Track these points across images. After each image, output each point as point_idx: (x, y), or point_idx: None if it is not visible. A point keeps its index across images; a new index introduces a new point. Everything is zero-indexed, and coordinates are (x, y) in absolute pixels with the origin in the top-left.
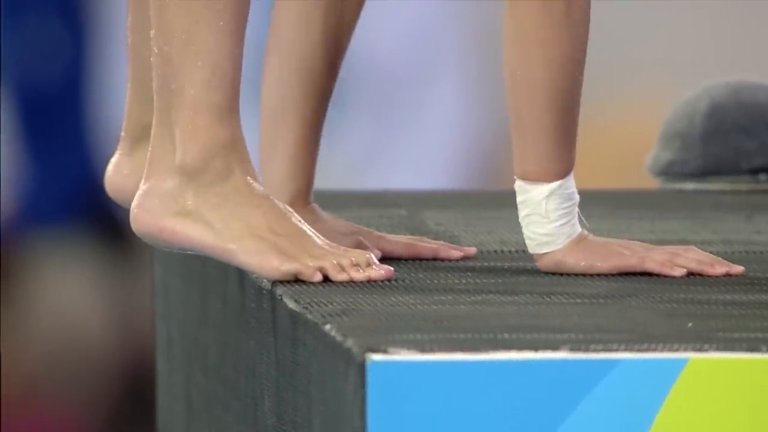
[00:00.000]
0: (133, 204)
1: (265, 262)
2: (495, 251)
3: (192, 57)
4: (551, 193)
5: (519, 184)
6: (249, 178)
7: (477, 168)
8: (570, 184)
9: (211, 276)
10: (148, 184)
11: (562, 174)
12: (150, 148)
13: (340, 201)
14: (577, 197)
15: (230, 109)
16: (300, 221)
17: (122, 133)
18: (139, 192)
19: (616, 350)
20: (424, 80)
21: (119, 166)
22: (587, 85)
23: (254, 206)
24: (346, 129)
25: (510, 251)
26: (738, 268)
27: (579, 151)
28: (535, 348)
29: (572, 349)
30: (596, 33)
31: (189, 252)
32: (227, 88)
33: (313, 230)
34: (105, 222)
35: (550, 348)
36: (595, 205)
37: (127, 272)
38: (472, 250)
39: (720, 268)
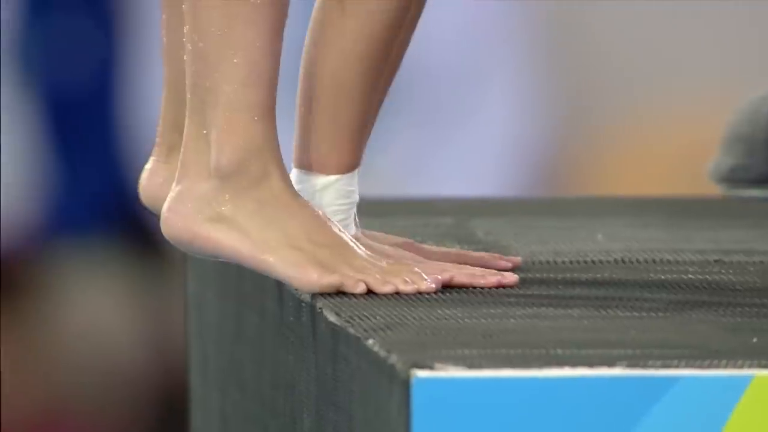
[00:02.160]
0: (165, 207)
1: (303, 274)
2: (547, 262)
3: (228, 53)
4: (326, 186)
5: (295, 173)
6: (286, 182)
7: (529, 174)
8: (352, 181)
9: (248, 289)
10: (181, 186)
11: (342, 169)
12: (182, 150)
13: (384, 209)
14: (356, 198)
15: (267, 108)
16: (340, 230)
17: (157, 139)
18: (171, 195)
19: (676, 367)
20: (475, 81)
21: (154, 172)
22: (644, 87)
23: (292, 214)
24: (390, 132)
25: (563, 262)
26: (511, 278)
27: (636, 156)
28: (590, 364)
29: (629, 366)
30: (658, 33)
31: (222, 260)
32: (265, 86)
33: (354, 240)
34: (136, 232)
35: (606, 364)
36: (653, 213)
37: (159, 285)
38: (517, 260)
39: (491, 278)
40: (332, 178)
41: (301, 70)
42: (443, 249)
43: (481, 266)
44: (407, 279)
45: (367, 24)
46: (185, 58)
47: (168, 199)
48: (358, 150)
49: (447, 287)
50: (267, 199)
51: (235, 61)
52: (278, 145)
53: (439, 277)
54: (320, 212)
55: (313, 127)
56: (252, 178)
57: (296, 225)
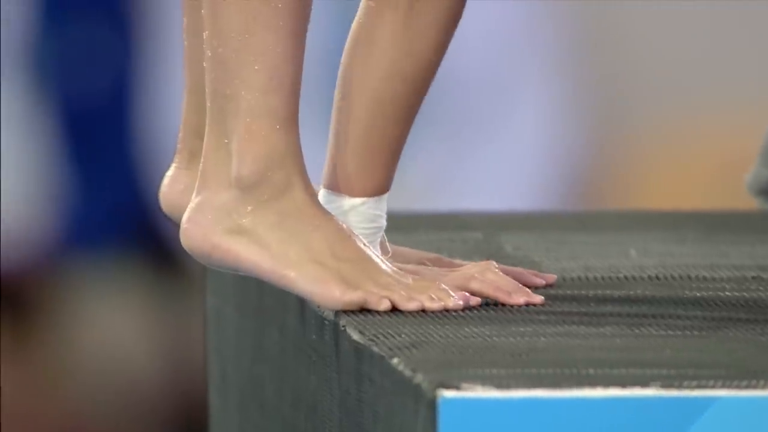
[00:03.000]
0: (184, 218)
1: (326, 291)
2: (579, 278)
3: (248, 59)
4: (352, 209)
5: (323, 193)
6: (309, 193)
7: (560, 187)
8: (380, 205)
9: (269, 304)
10: (201, 196)
11: (370, 192)
12: (203, 159)
13: (409, 223)
14: (383, 223)
15: (290, 116)
16: (365, 244)
17: (178, 145)
18: (191, 205)
19: (713, 387)
20: (504, 91)
21: (175, 179)
22: (680, 97)
23: (315, 227)
24: (417, 144)
25: (595, 278)
26: (538, 298)
27: (670, 168)
28: (623, 384)
29: (664, 386)
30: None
31: (242, 273)
32: (287, 93)
33: (379, 255)
34: (153, 245)
35: (640, 384)
36: (689, 227)
37: (177, 300)
38: (552, 277)
39: (518, 297)
40: (358, 200)
41: (339, 88)
42: (475, 264)
43: (516, 279)
44: (433, 296)
45: (417, 43)
46: (205, 64)
47: (188, 209)
48: (389, 174)
49: (473, 295)
50: (289, 211)
51: (255, 67)
52: (301, 155)
53: (467, 294)
54: (345, 226)
55: (345, 146)
56: (274, 188)
57: (319, 239)
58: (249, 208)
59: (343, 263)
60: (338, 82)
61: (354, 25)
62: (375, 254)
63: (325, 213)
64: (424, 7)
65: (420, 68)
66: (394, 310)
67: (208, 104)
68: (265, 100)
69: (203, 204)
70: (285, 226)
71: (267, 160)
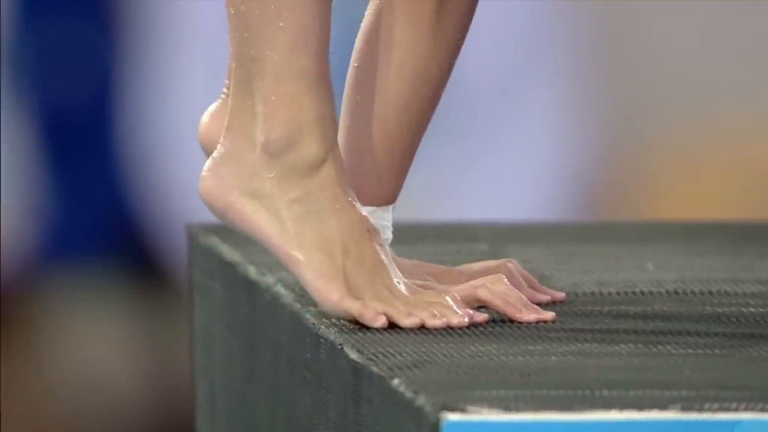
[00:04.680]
0: (206, 165)
1: (326, 290)
2: (592, 293)
3: (273, 16)
4: None
5: None
6: (338, 170)
7: (572, 196)
8: (386, 216)
9: (260, 322)
10: (227, 149)
11: (377, 201)
12: (229, 113)
13: (413, 234)
14: (389, 236)
15: (320, 78)
16: (380, 244)
17: (225, 80)
18: (215, 154)
19: (735, 410)
20: (513, 96)
21: (219, 113)
22: (698, 101)
23: (334, 212)
24: (421, 151)
25: (610, 293)
26: (549, 315)
27: (689, 177)
28: (640, 407)
29: (684, 409)
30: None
31: (251, 237)
32: (315, 53)
33: (390, 259)
34: (138, 259)
35: (658, 407)
36: (710, 238)
37: (162, 317)
38: (560, 295)
39: (528, 313)
40: (366, 209)
41: (352, 90)
42: (487, 267)
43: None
44: (436, 312)
45: (442, 44)
46: (228, 24)
47: (211, 158)
48: (400, 183)
49: (480, 307)
50: (312, 188)
51: (281, 24)
52: (335, 121)
53: (470, 312)
54: (364, 215)
55: (361, 152)
56: (302, 158)
57: (334, 227)
58: (272, 173)
59: (350, 261)
60: (351, 84)
61: (367, 24)
62: (387, 258)
63: (348, 196)
64: (450, 7)
65: (444, 71)
66: (393, 326)
67: (233, 64)
68: (292, 60)
69: (228, 158)
70: (304, 203)
71: (295, 125)
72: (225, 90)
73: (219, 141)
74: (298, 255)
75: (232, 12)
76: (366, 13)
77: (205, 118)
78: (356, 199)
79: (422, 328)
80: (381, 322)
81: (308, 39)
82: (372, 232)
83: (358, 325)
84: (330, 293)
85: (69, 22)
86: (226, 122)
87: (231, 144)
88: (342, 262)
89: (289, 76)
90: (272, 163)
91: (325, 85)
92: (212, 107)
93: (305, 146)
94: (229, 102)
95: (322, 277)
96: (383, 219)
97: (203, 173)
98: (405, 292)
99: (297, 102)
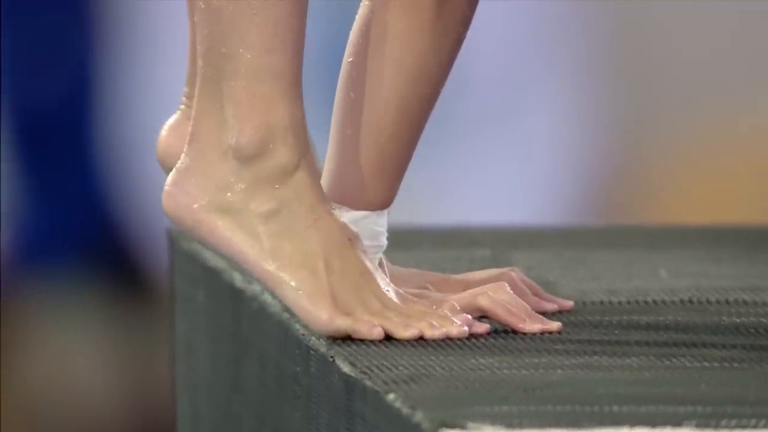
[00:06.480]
0: (169, 179)
1: (313, 310)
2: (601, 302)
3: (247, 11)
4: (352, 223)
5: None
6: (313, 177)
7: (580, 199)
8: (380, 221)
9: (246, 332)
10: (192, 160)
11: (372, 206)
12: (193, 120)
13: (411, 239)
14: (383, 242)
15: (294, 81)
16: (364, 252)
17: (185, 88)
18: (179, 165)
19: (754, 427)
20: (517, 93)
21: (180, 124)
22: (714, 99)
23: (312, 223)
24: (419, 151)
25: (620, 302)
26: (555, 325)
27: (705, 179)
28: (653, 423)
29: (699, 425)
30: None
31: (222, 256)
32: (291, 51)
33: (377, 269)
34: (115, 265)
35: (671, 423)
36: (726, 244)
37: (142, 327)
38: (568, 304)
39: (533, 323)
40: (360, 213)
41: (346, 88)
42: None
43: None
44: (434, 323)
45: (443, 39)
46: (196, 19)
47: (174, 170)
48: (396, 186)
49: (482, 318)
50: (287, 199)
51: (256, 20)
52: (306, 128)
53: (469, 317)
54: (343, 223)
55: (356, 153)
56: (276, 164)
57: (314, 240)
58: (243, 184)
59: (335, 275)
60: (344, 80)
61: (362, 15)
62: (373, 268)
63: (326, 204)
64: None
65: (444, 67)
66: (389, 338)
67: (201, 62)
68: (268, 59)
69: (194, 169)
70: (280, 217)
71: (269, 130)
72: (185, 100)
73: (181, 152)
74: (279, 273)
75: (203, 5)
76: (361, 3)
77: (164, 131)
78: (333, 205)
79: (419, 339)
80: (377, 332)
81: (285, 37)
82: (353, 239)
83: (351, 339)
84: (318, 313)
85: (44, 22)
86: (190, 129)
87: (197, 153)
88: (326, 278)
89: (264, 77)
90: (243, 171)
91: (299, 87)
92: (171, 120)
93: (278, 152)
94: (194, 106)
95: (308, 297)
96: (377, 224)
97: (167, 188)
98: (396, 301)
99: (271, 104)
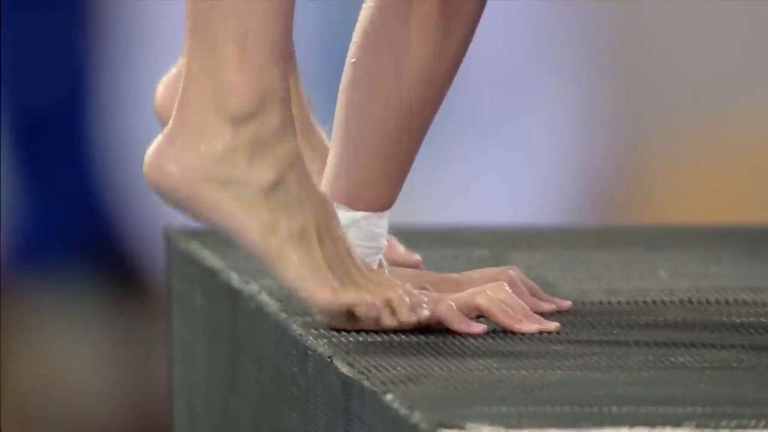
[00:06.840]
0: (156, 144)
1: (318, 288)
2: (600, 302)
3: None
4: (351, 223)
5: None
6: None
7: (579, 199)
8: (380, 222)
9: (243, 333)
10: (183, 123)
11: (373, 206)
12: (182, 85)
13: (408, 238)
14: (383, 243)
15: (287, 52)
16: (342, 231)
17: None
18: (169, 130)
19: (754, 428)
20: (517, 92)
21: (177, 79)
22: (714, 98)
23: (305, 197)
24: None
25: (619, 302)
26: (553, 325)
27: (705, 178)
28: (652, 424)
29: (699, 426)
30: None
31: (216, 228)
32: (284, 23)
33: (353, 248)
34: (113, 265)
35: (671, 424)
36: (728, 244)
37: (138, 328)
38: (566, 304)
39: (530, 324)
40: (360, 214)
41: (349, 88)
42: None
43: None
44: (393, 297)
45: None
46: None
47: (163, 134)
48: (398, 187)
49: (480, 313)
50: (285, 167)
51: None
52: (290, 98)
53: (469, 321)
54: (325, 194)
55: (357, 154)
56: (272, 129)
57: (310, 213)
58: (246, 157)
59: (325, 248)
60: (347, 82)
61: (366, 16)
62: (352, 246)
63: (309, 173)
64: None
65: (448, 70)
66: (385, 337)
67: (188, 27)
68: (263, 24)
69: (186, 134)
70: (279, 190)
71: (263, 93)
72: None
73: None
74: (279, 250)
75: None
76: (364, 4)
77: (161, 86)
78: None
79: (418, 340)
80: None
81: (280, 7)
82: (334, 211)
83: (348, 332)
84: (323, 292)
85: (40, 20)
86: (179, 93)
87: (188, 117)
88: (317, 250)
89: (261, 43)
90: (242, 143)
91: (292, 63)
92: (168, 75)
93: (273, 118)
94: (185, 65)
95: (310, 274)
96: (377, 226)
97: (153, 155)
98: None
99: (266, 73)
